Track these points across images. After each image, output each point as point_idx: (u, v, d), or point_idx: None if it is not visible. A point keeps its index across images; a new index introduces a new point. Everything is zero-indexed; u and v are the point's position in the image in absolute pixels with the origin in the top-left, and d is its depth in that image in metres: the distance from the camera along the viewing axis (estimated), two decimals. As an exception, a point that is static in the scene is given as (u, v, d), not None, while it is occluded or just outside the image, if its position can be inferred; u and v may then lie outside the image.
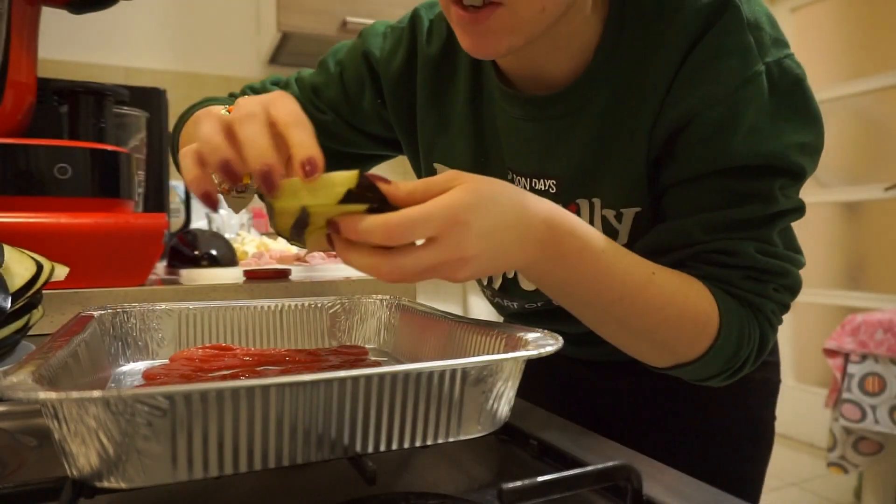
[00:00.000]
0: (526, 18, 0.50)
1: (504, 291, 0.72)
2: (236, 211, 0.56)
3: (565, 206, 0.61)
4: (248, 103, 0.42)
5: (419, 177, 0.75)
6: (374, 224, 0.38)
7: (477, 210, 0.40)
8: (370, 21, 2.59)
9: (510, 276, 0.70)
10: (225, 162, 0.40)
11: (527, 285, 0.69)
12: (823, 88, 2.83)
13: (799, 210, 0.55)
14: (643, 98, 0.55)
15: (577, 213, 0.61)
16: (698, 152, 0.53)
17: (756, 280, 0.54)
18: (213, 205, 0.42)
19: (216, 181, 0.49)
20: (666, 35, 0.53)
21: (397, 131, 0.74)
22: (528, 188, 0.64)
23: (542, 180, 0.63)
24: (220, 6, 2.41)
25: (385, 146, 0.78)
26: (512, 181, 0.66)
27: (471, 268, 0.42)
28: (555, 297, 0.52)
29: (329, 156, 0.66)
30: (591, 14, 0.56)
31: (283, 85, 0.78)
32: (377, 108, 0.73)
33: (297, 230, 0.41)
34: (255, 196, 0.53)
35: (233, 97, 0.78)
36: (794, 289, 0.56)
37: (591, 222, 0.61)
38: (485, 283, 0.74)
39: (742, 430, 0.74)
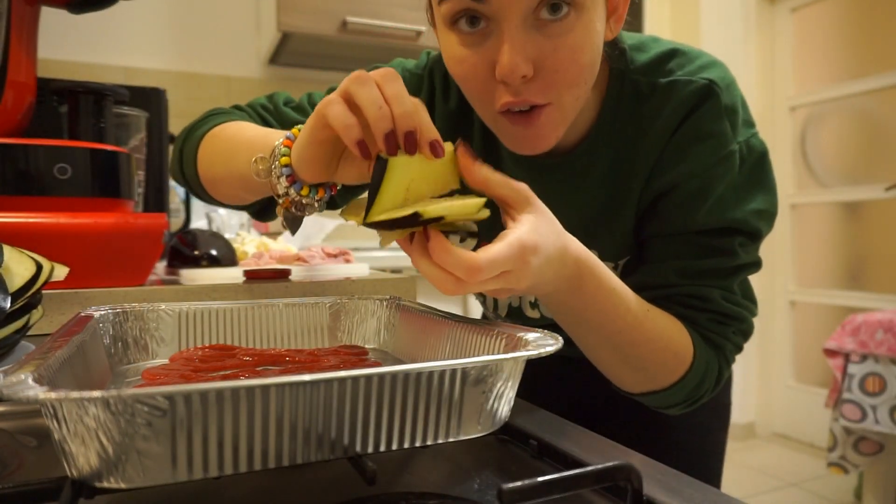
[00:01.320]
0: (568, 109, 0.57)
1: (509, 317, 0.79)
2: (293, 231, 0.57)
3: None
4: (365, 80, 0.44)
5: None
6: (460, 263, 0.42)
7: (538, 251, 0.45)
8: (370, 21, 2.56)
9: (515, 304, 0.77)
10: (361, 134, 0.44)
11: (531, 313, 0.76)
12: (823, 88, 2.83)
13: (756, 265, 0.64)
14: (636, 168, 0.64)
15: None
16: (676, 214, 0.62)
17: (720, 323, 0.63)
18: (367, 155, 0.45)
19: (280, 193, 0.52)
20: (657, 114, 0.61)
21: None
22: None
23: None
24: (220, 6, 2.41)
25: None
26: None
27: (515, 294, 0.49)
28: (564, 323, 0.59)
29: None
30: (592, 90, 0.62)
31: (294, 106, 0.76)
32: None
33: (393, 226, 0.43)
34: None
35: (238, 109, 0.76)
36: (747, 333, 0.65)
37: None
38: (491, 309, 0.80)
39: (709, 415, 0.83)
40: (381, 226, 0.43)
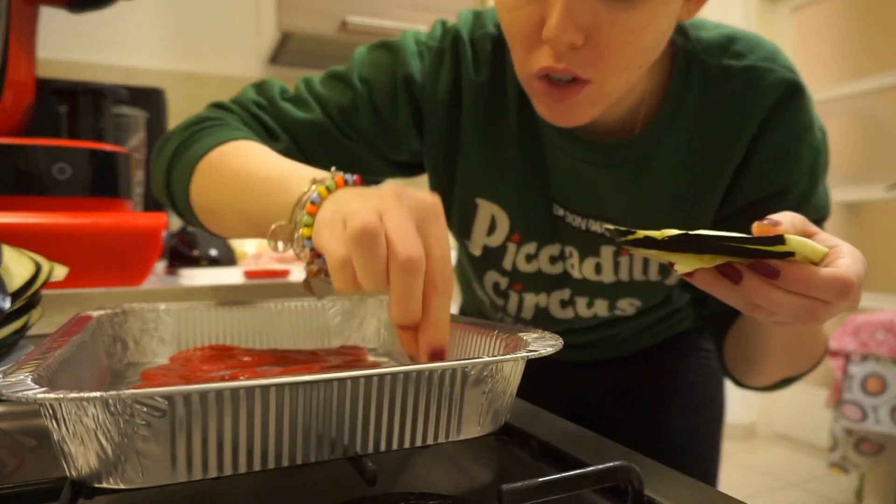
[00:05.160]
0: (610, 91, 0.52)
1: (533, 321, 0.73)
2: (321, 297, 0.51)
3: (619, 249, 0.64)
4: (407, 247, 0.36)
5: (449, 209, 0.69)
6: (833, 282, 0.37)
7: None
8: (370, 21, 2.55)
9: (542, 305, 0.71)
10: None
11: (560, 314, 0.71)
12: (823, 88, 2.82)
13: None
14: (716, 159, 0.59)
15: (631, 257, 0.65)
16: (782, 209, 0.58)
17: None
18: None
19: (305, 260, 0.45)
20: (736, 103, 0.57)
21: (428, 160, 0.68)
22: (584, 228, 0.65)
23: (598, 222, 0.64)
24: (220, 6, 2.41)
25: (398, 171, 0.70)
26: (563, 217, 0.65)
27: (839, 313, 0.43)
28: (783, 343, 0.57)
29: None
30: (649, 67, 0.57)
31: (292, 98, 0.66)
32: (410, 135, 0.66)
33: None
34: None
35: (226, 110, 0.65)
36: None
37: (645, 267, 0.65)
38: (513, 313, 0.73)
39: (705, 413, 0.82)
40: (693, 246, 0.38)
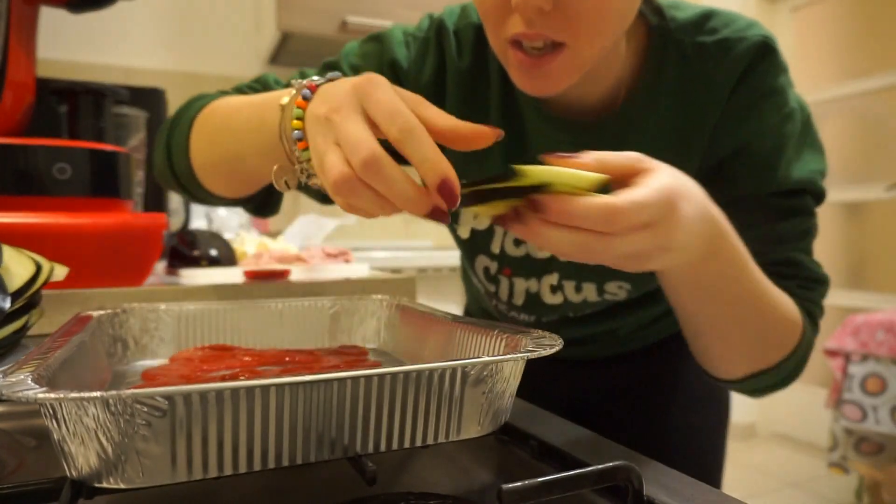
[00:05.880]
0: (586, 58, 0.51)
1: (525, 307, 0.73)
2: (291, 188, 0.50)
3: None
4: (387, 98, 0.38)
5: None
6: (592, 209, 0.36)
7: (686, 199, 0.40)
8: (370, 21, 2.56)
9: (533, 291, 0.71)
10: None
11: (551, 299, 0.71)
12: (823, 88, 2.82)
13: (818, 230, 0.61)
14: (690, 134, 0.59)
15: None
16: (748, 176, 0.58)
17: (808, 289, 0.59)
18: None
19: (306, 177, 0.46)
20: (711, 76, 0.58)
21: None
22: None
23: None
24: (220, 6, 2.41)
25: None
26: None
27: (665, 259, 0.41)
28: (690, 296, 0.52)
29: None
30: (625, 47, 0.59)
31: (286, 85, 0.68)
32: None
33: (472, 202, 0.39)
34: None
35: (223, 94, 0.70)
36: (825, 298, 0.62)
37: None
38: (504, 298, 0.74)
39: (709, 414, 0.81)
40: (475, 199, 0.38)
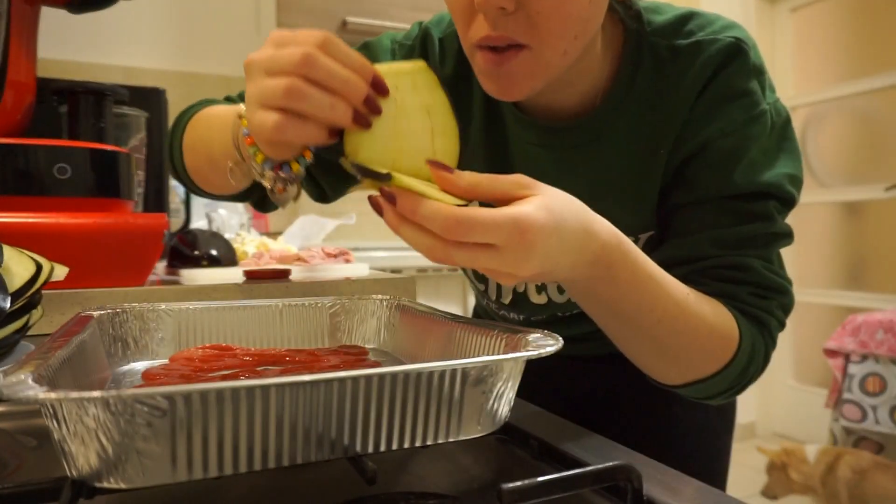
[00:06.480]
0: (548, 62, 0.52)
1: (513, 306, 0.73)
2: (283, 206, 0.54)
3: None
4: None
5: None
6: (436, 214, 0.38)
7: (545, 233, 0.40)
8: (370, 21, 2.56)
9: (520, 290, 0.72)
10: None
11: (536, 299, 0.71)
12: (823, 88, 2.83)
13: (789, 236, 0.60)
14: (660, 134, 0.60)
15: None
16: (708, 177, 0.58)
17: (761, 297, 0.58)
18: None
19: (259, 174, 0.50)
20: (681, 77, 0.58)
21: None
22: None
23: None
24: (220, 6, 2.41)
25: None
26: None
27: (519, 280, 0.43)
28: (593, 314, 0.54)
29: (315, 176, 0.66)
30: (602, 53, 0.60)
31: None
32: None
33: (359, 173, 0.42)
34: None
35: (229, 100, 0.75)
36: (788, 308, 0.60)
37: None
38: (493, 297, 0.75)
39: (713, 417, 0.81)
40: (359, 170, 0.42)
